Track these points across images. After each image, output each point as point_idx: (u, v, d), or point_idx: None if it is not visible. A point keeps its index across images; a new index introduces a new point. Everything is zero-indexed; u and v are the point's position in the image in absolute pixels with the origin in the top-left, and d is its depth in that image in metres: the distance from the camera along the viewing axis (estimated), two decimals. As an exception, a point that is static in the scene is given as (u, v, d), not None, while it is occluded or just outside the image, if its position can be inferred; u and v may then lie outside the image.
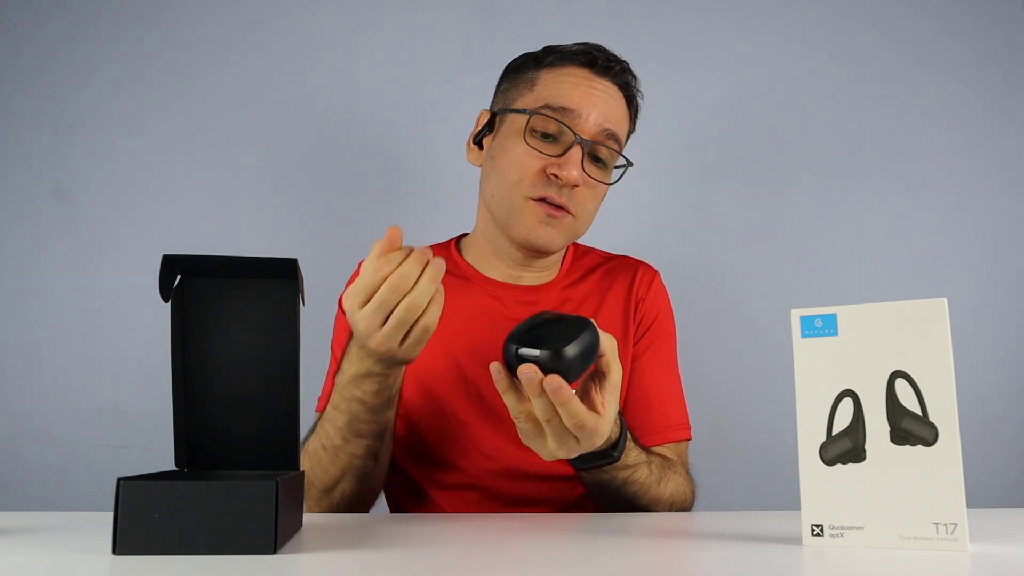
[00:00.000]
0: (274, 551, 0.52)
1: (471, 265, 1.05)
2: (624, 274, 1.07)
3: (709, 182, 1.53)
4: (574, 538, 0.65)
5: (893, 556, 0.53)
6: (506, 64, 1.06)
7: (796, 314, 0.60)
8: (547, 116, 0.94)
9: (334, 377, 0.84)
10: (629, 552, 0.57)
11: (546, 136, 0.95)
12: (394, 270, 0.68)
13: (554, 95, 0.95)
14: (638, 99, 1.03)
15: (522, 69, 1.01)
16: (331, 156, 1.50)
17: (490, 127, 1.01)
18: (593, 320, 0.68)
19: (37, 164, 1.46)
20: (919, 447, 0.55)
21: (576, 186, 0.93)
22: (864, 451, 0.56)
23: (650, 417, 0.99)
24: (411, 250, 0.70)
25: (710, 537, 0.63)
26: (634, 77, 1.01)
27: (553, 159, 0.93)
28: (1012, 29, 1.57)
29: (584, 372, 0.67)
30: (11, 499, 1.37)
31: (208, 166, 1.48)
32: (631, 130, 1.04)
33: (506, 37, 1.53)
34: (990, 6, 1.57)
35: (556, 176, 0.93)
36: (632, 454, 0.81)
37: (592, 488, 0.85)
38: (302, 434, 0.64)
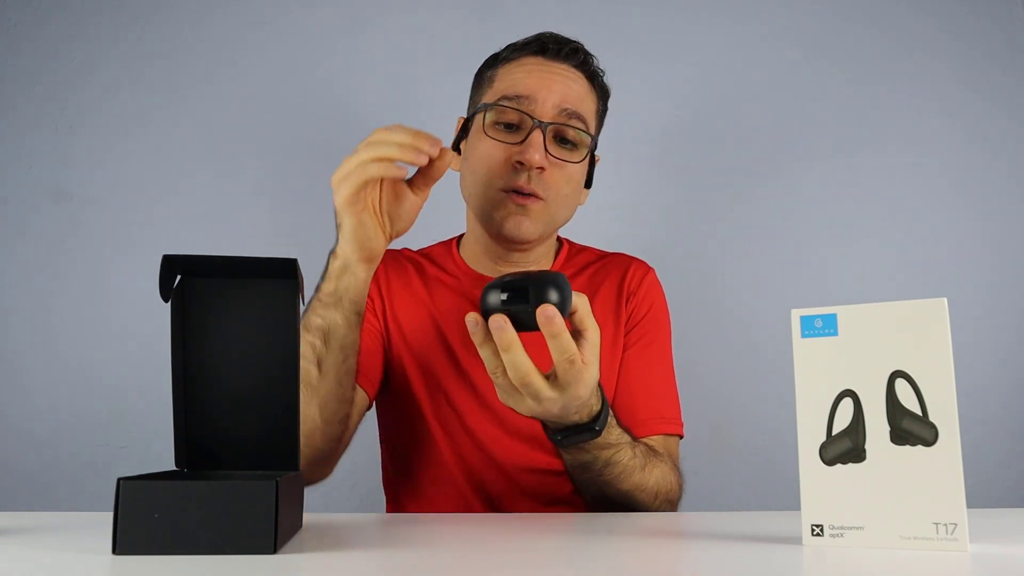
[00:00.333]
0: (274, 551, 0.52)
1: (466, 262, 1.06)
2: (616, 270, 1.08)
3: (709, 182, 1.53)
4: (574, 538, 0.65)
5: (893, 556, 0.53)
6: None
7: (796, 314, 0.60)
8: (503, 107, 0.96)
9: None
10: (629, 552, 0.57)
11: (508, 127, 0.96)
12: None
13: (509, 86, 0.97)
14: (601, 77, 1.03)
15: (483, 70, 1.04)
16: (331, 156, 1.49)
17: (465, 132, 1.03)
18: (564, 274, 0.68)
19: (37, 164, 1.46)
20: (919, 447, 0.55)
21: (542, 169, 0.94)
22: (864, 451, 0.56)
23: (636, 408, 0.99)
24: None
25: (710, 537, 0.63)
26: (590, 55, 1.02)
27: (516, 147, 0.95)
28: (1012, 29, 1.57)
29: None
30: (11, 499, 1.37)
31: (208, 166, 1.48)
32: (601, 109, 1.04)
33: (506, 37, 1.52)
34: (990, 6, 1.57)
35: (520, 163, 0.94)
36: (614, 432, 0.81)
37: (575, 472, 0.85)
38: (302, 434, 0.64)
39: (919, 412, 0.55)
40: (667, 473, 0.91)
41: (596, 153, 1.04)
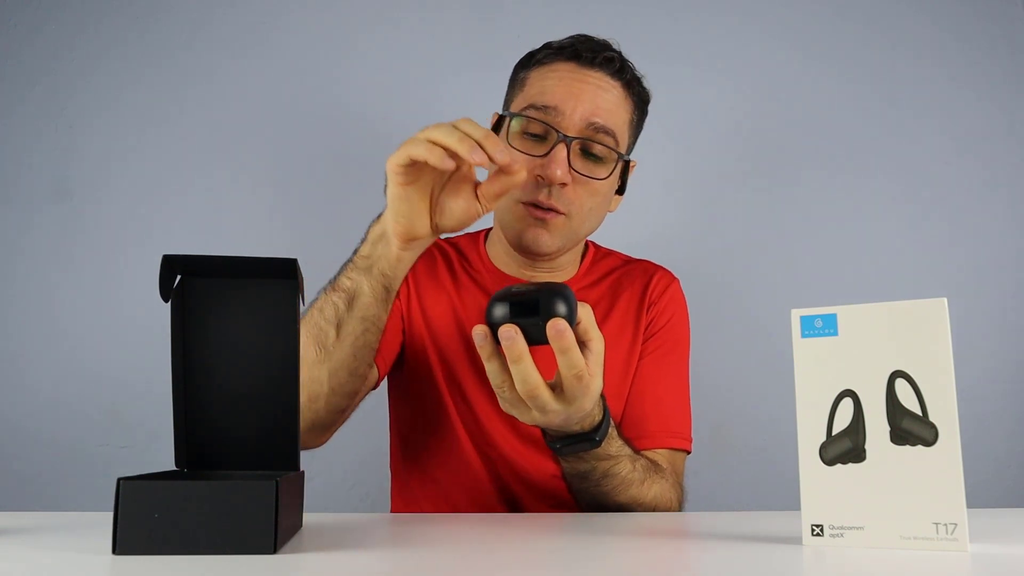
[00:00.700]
0: (274, 551, 0.52)
1: (492, 261, 1.05)
2: (640, 277, 1.06)
3: (708, 182, 1.53)
4: (573, 538, 0.65)
5: (893, 556, 0.53)
6: (513, 63, 1.06)
7: (796, 314, 0.60)
8: (529, 117, 0.93)
9: None
10: (629, 552, 0.57)
11: (534, 136, 0.94)
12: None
13: (538, 94, 0.94)
14: (640, 84, 1.00)
15: (517, 69, 1.01)
16: (331, 156, 1.50)
17: (497, 129, 1.00)
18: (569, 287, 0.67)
19: (37, 164, 1.46)
20: (919, 447, 0.55)
21: (564, 184, 0.92)
22: (864, 451, 0.56)
23: (645, 419, 0.98)
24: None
25: (710, 537, 0.63)
26: (627, 62, 0.98)
27: (538, 159, 0.92)
28: (1012, 29, 1.57)
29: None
30: (11, 499, 1.37)
31: (208, 166, 1.48)
32: (636, 118, 1.01)
33: (506, 37, 1.53)
34: (990, 6, 1.57)
35: (542, 177, 0.92)
36: (614, 444, 0.81)
37: (572, 481, 0.85)
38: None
39: (919, 412, 0.55)
40: (666, 490, 0.91)
41: (631, 158, 1.02)
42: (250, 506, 0.52)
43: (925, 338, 0.56)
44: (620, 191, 1.02)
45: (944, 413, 0.55)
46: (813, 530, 0.57)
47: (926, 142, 1.54)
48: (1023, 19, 1.57)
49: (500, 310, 0.63)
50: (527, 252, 0.98)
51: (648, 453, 0.94)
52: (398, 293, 0.99)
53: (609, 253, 1.12)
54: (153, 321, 1.36)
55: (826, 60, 1.55)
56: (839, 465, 0.57)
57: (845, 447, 0.57)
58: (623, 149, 0.98)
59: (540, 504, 0.97)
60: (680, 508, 0.95)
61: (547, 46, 0.98)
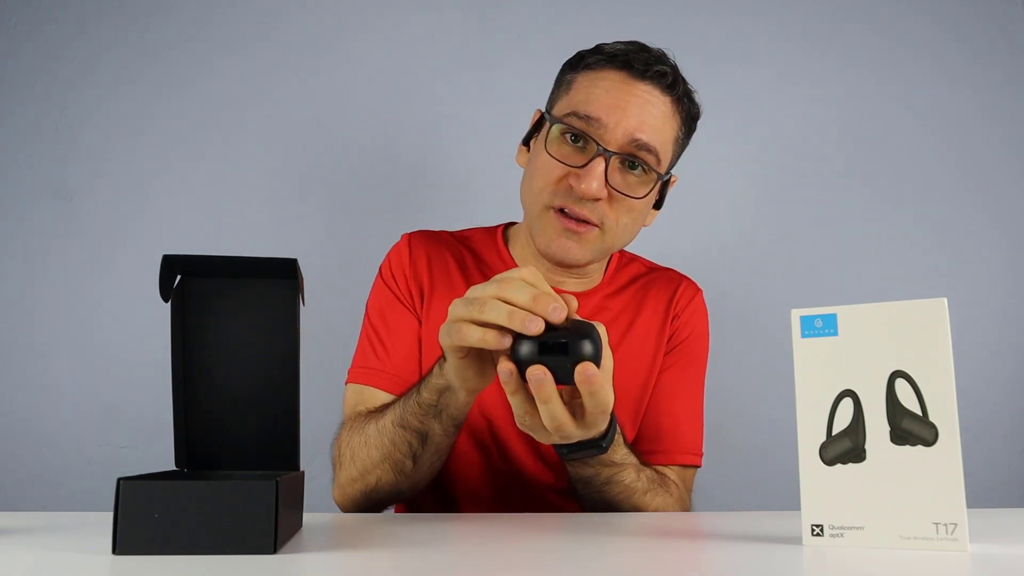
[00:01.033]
0: (274, 551, 0.52)
1: (515, 260, 1.03)
2: (665, 287, 1.05)
3: (708, 182, 1.53)
4: (574, 538, 0.65)
5: (893, 556, 0.53)
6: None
7: (796, 314, 0.60)
8: (570, 125, 0.90)
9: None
10: (629, 552, 0.57)
11: (575, 139, 0.90)
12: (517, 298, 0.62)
13: (583, 102, 0.90)
14: (691, 100, 0.96)
15: (565, 69, 0.97)
16: (331, 155, 1.50)
17: (538, 128, 0.97)
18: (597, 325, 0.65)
19: (37, 164, 1.46)
20: (919, 447, 0.55)
21: (599, 199, 0.89)
22: (864, 451, 0.56)
23: (661, 436, 0.98)
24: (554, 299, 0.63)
25: (710, 537, 0.63)
26: (680, 77, 0.94)
27: (575, 169, 0.89)
28: (1012, 29, 1.57)
29: None
30: (11, 499, 1.37)
31: (208, 166, 1.48)
32: (683, 135, 0.97)
33: (506, 37, 1.53)
34: (990, 6, 1.57)
35: (575, 188, 0.89)
36: (619, 452, 0.81)
37: (576, 484, 0.85)
38: (302, 434, 0.64)
39: (919, 412, 0.55)
40: (670, 505, 0.90)
41: (672, 173, 0.99)
42: (250, 506, 0.52)
43: (925, 338, 0.56)
44: (657, 206, 0.99)
45: (944, 413, 0.55)
46: (813, 530, 0.57)
47: (926, 142, 1.54)
48: (1023, 19, 1.57)
49: (527, 348, 0.61)
50: (555, 262, 0.95)
51: (660, 468, 0.94)
52: (411, 306, 0.99)
53: (633, 259, 1.10)
54: (153, 321, 1.37)
55: (826, 60, 1.55)
56: (839, 465, 0.57)
57: (845, 447, 0.57)
58: (664, 167, 0.94)
59: (541, 507, 0.97)
60: None
61: (598, 50, 0.93)
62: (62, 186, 1.46)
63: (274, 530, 0.52)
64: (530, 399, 0.64)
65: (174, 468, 0.64)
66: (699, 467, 1.01)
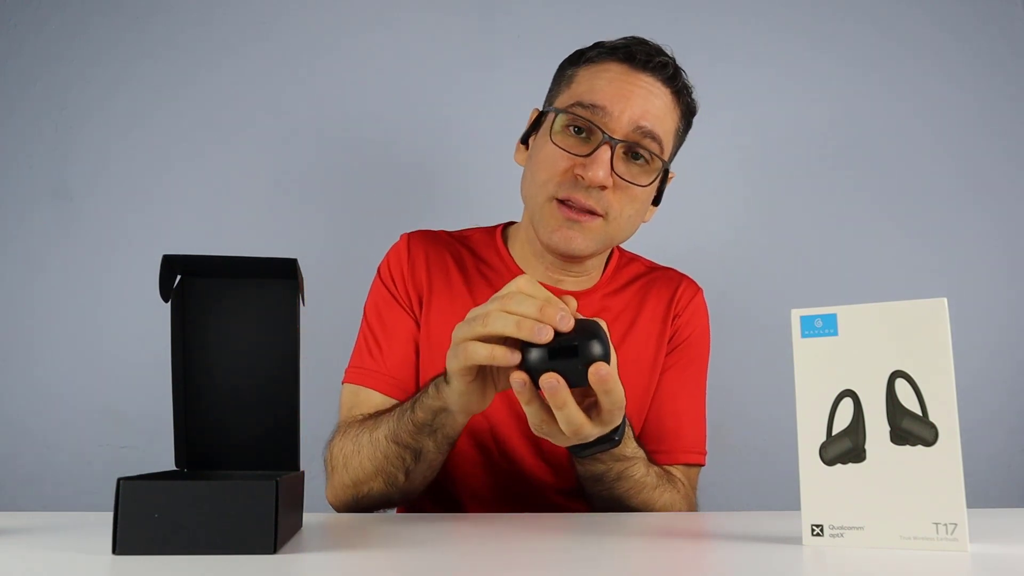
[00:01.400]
0: (274, 551, 0.52)
1: (514, 259, 1.03)
2: (666, 287, 1.05)
3: (708, 182, 1.53)
4: (574, 538, 0.65)
5: (893, 556, 0.53)
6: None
7: (796, 314, 0.60)
8: (575, 115, 0.90)
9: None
10: (629, 552, 0.57)
11: (579, 131, 0.91)
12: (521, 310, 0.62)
13: (587, 92, 0.91)
14: (689, 94, 0.97)
15: (565, 66, 0.98)
16: (331, 155, 1.50)
17: (536, 125, 0.98)
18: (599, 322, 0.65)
19: (37, 164, 1.46)
20: (919, 447, 0.55)
21: (604, 187, 0.89)
22: (864, 451, 0.56)
23: (664, 436, 0.98)
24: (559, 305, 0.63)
25: (710, 537, 0.63)
26: (680, 70, 0.95)
27: (580, 159, 0.89)
28: (1012, 29, 1.57)
29: None
30: (11, 499, 1.37)
31: (208, 166, 1.48)
32: (682, 128, 0.98)
33: (506, 37, 1.53)
34: (990, 6, 1.57)
35: (582, 177, 0.89)
36: (630, 446, 0.81)
37: (586, 484, 0.85)
38: (302, 434, 0.64)
39: (919, 412, 0.55)
40: (677, 500, 0.91)
41: (671, 169, 0.99)
42: (250, 506, 0.52)
43: (925, 338, 0.56)
44: (656, 202, 1.00)
45: (944, 413, 0.55)
46: (813, 530, 0.57)
47: (926, 142, 1.54)
48: (1023, 19, 1.57)
49: (537, 356, 0.61)
50: (556, 253, 0.95)
51: (665, 467, 0.94)
52: (409, 308, 0.98)
53: (634, 258, 1.10)
54: (153, 321, 1.37)
55: (826, 60, 1.55)
56: (839, 465, 0.57)
57: (845, 447, 0.57)
58: (667, 157, 0.95)
59: (544, 507, 0.97)
60: None
61: (599, 45, 0.95)
62: (62, 186, 1.46)
63: (274, 530, 0.52)
64: (545, 407, 0.64)
65: (174, 468, 0.64)
66: (703, 466, 1.01)
